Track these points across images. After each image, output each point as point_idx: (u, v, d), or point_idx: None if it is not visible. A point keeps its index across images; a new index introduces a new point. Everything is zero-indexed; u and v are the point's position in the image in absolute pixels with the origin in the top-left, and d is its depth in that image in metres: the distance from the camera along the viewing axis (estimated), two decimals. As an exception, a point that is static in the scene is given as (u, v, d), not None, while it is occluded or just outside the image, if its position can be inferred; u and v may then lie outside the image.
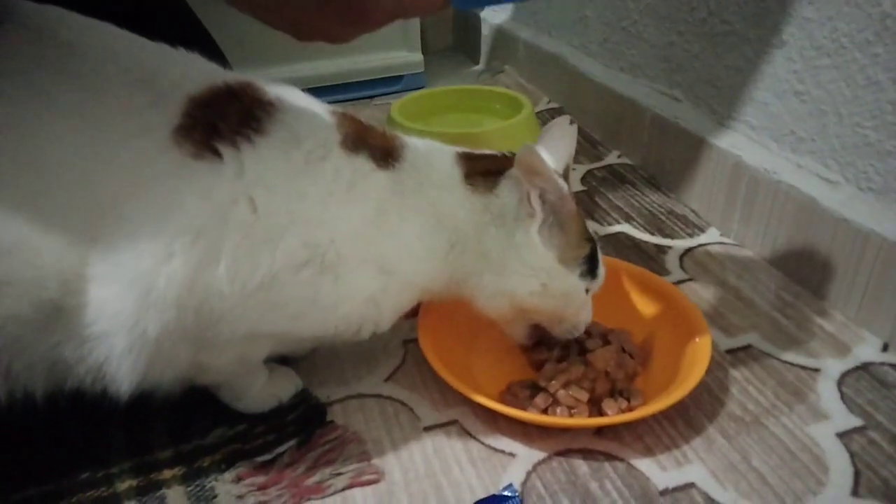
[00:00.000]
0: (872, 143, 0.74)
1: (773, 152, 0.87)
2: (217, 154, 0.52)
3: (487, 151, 0.65)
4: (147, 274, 0.50)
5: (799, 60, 0.81)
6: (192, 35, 0.85)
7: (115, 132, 0.51)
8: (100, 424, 0.64)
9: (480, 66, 1.64)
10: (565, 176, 0.63)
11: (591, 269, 0.62)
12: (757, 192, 0.87)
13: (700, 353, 0.65)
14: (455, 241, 0.61)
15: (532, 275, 0.60)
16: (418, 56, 1.51)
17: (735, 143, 0.92)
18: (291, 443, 0.63)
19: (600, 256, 0.64)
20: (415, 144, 0.63)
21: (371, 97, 1.51)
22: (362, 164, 0.58)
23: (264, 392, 0.66)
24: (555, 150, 0.64)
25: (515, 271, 0.60)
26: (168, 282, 0.50)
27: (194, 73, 0.56)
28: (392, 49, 1.50)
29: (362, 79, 1.48)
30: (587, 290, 0.63)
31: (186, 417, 0.65)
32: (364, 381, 0.70)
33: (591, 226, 0.95)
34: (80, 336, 0.51)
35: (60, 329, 0.51)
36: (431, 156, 0.63)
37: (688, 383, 0.62)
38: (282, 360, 0.70)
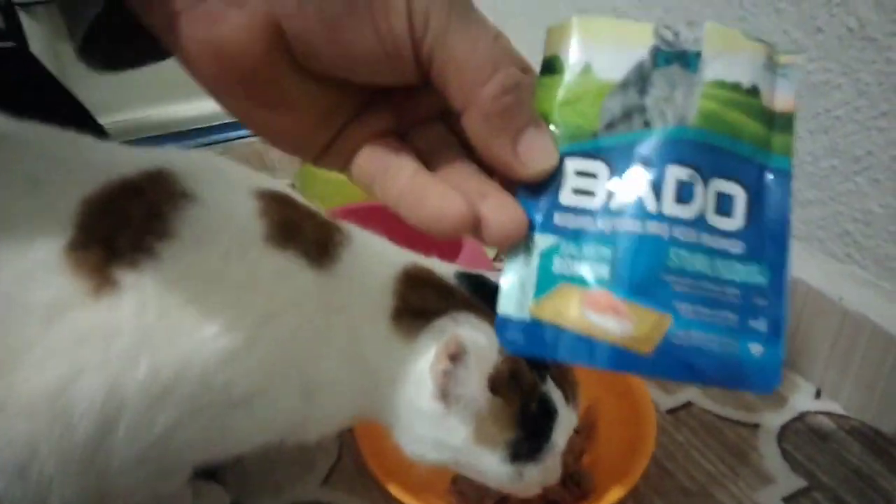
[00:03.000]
0: (793, 193, 0.74)
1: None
2: (116, 285, 0.43)
3: (439, 276, 0.54)
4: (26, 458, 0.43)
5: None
6: (58, 100, 0.76)
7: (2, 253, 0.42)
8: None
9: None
10: None
11: (529, 453, 0.52)
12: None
13: (645, 424, 0.64)
14: (371, 387, 0.52)
15: (440, 448, 0.52)
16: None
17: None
18: (224, 572, 0.57)
19: (553, 443, 0.52)
20: (359, 243, 0.53)
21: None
22: (289, 263, 0.48)
23: (189, 515, 0.60)
24: None
25: (424, 439, 0.52)
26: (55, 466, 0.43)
27: (90, 163, 0.46)
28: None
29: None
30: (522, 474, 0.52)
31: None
32: (299, 486, 0.65)
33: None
34: None
35: None
36: (372, 267, 0.53)
37: (636, 468, 0.60)
38: (208, 473, 0.64)
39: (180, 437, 0.47)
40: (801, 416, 0.70)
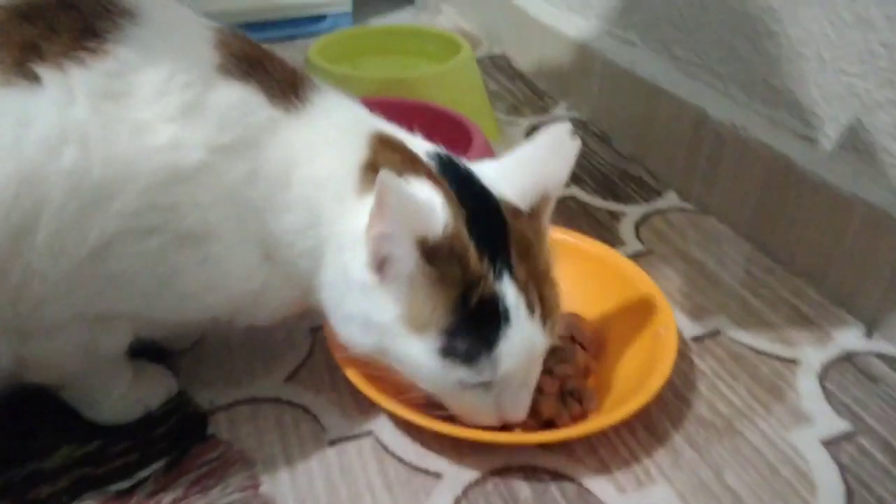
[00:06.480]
0: (859, 93, 0.63)
1: (741, 104, 0.76)
2: (35, 78, 0.40)
3: (411, 148, 0.48)
4: None
5: (777, -4, 0.70)
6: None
7: None
8: None
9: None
10: (540, 209, 0.47)
11: (468, 353, 0.43)
12: (722, 150, 0.76)
13: (664, 345, 0.54)
14: (318, 255, 0.47)
15: (368, 328, 0.45)
16: (344, -9, 1.34)
17: (698, 93, 0.80)
18: (159, 464, 0.50)
19: (497, 356, 0.44)
20: (332, 94, 0.49)
21: (292, 37, 1.34)
22: (249, 97, 0.45)
23: (127, 397, 0.52)
24: (532, 173, 0.48)
25: (353, 317, 0.46)
26: None
27: None
28: (314, -17, 1.33)
29: (281, 17, 1.31)
30: (464, 383, 0.45)
31: (22, 433, 0.51)
32: (259, 381, 0.57)
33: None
34: None
35: None
36: (348, 117, 0.49)
37: (651, 385, 0.51)
38: (157, 355, 0.56)
39: (117, 265, 0.43)
40: (849, 356, 0.60)
